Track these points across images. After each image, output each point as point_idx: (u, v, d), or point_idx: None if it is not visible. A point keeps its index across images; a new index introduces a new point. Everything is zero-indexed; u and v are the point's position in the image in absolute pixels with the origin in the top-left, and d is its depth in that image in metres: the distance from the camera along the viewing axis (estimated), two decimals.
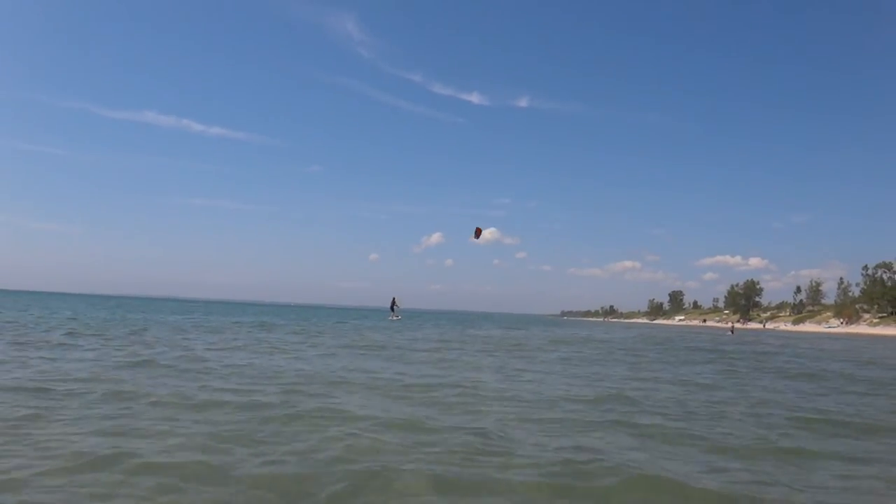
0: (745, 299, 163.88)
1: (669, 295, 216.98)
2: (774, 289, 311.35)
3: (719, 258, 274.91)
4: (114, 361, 12.87)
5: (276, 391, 9.58)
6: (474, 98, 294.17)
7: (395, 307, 58.89)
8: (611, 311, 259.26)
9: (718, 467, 5.98)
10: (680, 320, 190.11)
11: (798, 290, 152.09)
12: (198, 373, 11.70)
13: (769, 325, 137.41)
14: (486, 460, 5.88)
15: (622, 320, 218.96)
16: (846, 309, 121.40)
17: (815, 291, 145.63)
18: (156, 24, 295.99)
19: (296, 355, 16.55)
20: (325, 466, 5.50)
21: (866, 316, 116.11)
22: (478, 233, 34.68)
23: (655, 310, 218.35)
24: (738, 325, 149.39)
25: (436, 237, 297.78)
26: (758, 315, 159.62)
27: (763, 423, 8.44)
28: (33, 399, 8.12)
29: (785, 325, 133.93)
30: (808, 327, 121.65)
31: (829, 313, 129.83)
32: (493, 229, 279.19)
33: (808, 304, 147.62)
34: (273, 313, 74.72)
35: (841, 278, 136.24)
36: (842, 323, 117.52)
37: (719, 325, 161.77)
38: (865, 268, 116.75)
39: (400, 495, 4.87)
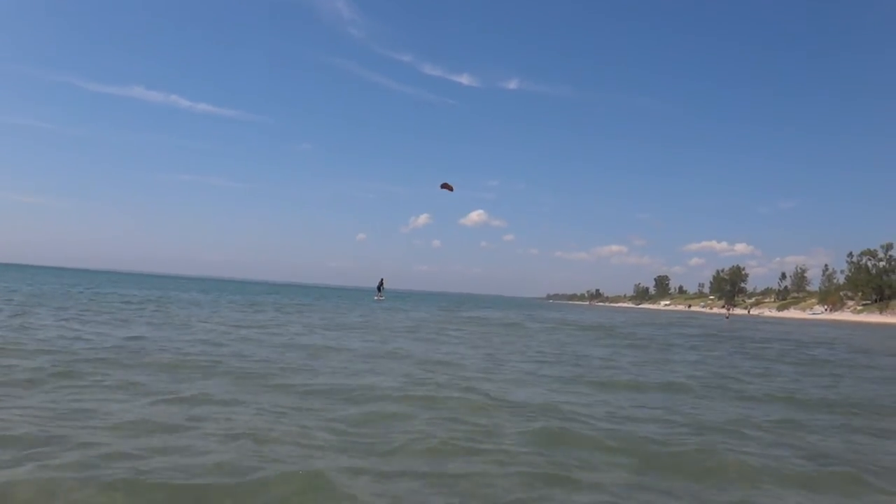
0: (730, 285, 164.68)
1: (655, 280, 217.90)
2: (759, 275, 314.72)
3: (705, 243, 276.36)
4: None
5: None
6: (464, 79, 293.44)
7: (381, 288, 59.06)
8: (596, 295, 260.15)
9: None
10: (665, 305, 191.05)
11: (783, 276, 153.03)
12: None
13: (754, 311, 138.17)
14: None
15: (607, 304, 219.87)
16: (830, 296, 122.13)
17: (800, 278, 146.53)
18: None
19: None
20: None
21: (850, 303, 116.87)
22: (447, 187, 34.83)
23: (641, 294, 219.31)
24: (722, 311, 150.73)
25: (423, 218, 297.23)
26: (742, 301, 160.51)
27: None
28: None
29: (769, 312, 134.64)
30: (792, 313, 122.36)
31: (813, 300, 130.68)
32: (481, 211, 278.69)
33: (792, 290, 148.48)
34: (242, 291, 73.88)
35: (826, 265, 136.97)
36: (826, 310, 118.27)
37: (704, 310, 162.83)
38: (850, 255, 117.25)
39: None
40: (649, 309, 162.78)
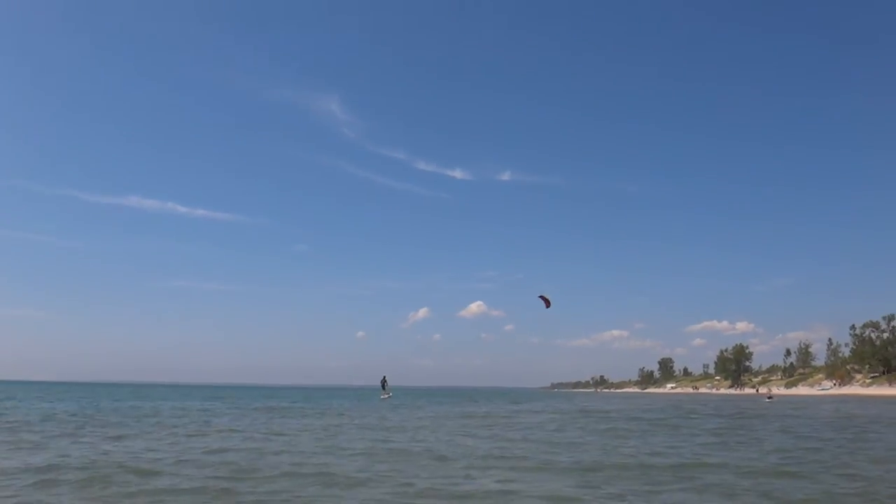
0: (735, 364, 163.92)
1: (659, 362, 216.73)
2: (762, 352, 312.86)
3: (707, 324, 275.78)
4: None
5: None
6: (457, 174, 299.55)
7: (385, 385, 59.09)
8: (601, 381, 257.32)
9: None
10: (671, 388, 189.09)
11: (788, 352, 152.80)
12: None
13: (762, 390, 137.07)
14: None
15: (613, 390, 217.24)
16: (838, 370, 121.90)
17: (805, 353, 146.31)
18: (140, 106, 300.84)
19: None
20: None
21: (858, 376, 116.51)
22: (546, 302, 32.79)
23: (646, 378, 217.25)
24: (729, 391, 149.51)
25: (422, 312, 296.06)
26: (749, 380, 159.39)
27: None
28: None
29: (777, 389, 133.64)
30: (801, 390, 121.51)
31: (820, 375, 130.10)
32: (480, 302, 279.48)
33: (798, 366, 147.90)
34: (252, 397, 72.84)
35: (830, 339, 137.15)
36: (834, 384, 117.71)
37: (711, 391, 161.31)
38: (853, 328, 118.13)
39: None
40: (656, 393, 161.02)
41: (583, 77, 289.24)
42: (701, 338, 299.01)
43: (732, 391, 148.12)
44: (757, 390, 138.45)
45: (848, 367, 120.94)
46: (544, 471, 11.06)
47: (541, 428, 22.00)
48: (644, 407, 45.67)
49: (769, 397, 72.02)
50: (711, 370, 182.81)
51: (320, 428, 21.02)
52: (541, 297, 31.36)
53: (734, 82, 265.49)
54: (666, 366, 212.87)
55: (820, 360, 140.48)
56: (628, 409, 41.86)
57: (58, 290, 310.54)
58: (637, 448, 14.95)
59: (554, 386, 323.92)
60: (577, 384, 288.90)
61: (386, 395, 58.02)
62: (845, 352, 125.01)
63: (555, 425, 23.38)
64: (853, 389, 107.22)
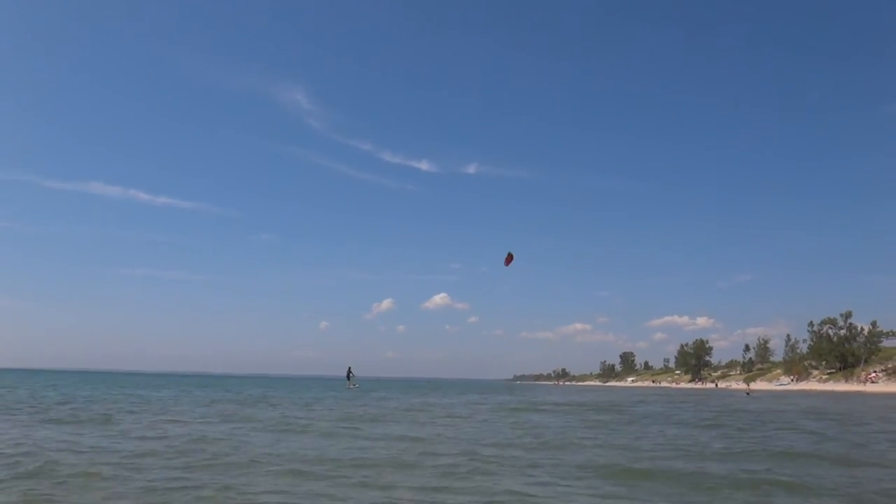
0: (695, 359, 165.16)
1: (621, 356, 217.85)
2: (721, 347, 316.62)
3: (668, 318, 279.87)
4: None
5: None
6: (423, 165, 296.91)
7: (350, 376, 59.78)
8: (563, 374, 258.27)
9: None
10: (632, 381, 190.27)
11: (747, 348, 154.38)
12: None
13: (721, 385, 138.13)
14: None
15: (575, 383, 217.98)
16: (795, 366, 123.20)
17: (764, 349, 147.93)
18: (103, 93, 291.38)
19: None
20: None
21: (815, 372, 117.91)
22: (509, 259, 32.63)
23: (608, 372, 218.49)
24: (689, 385, 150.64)
25: (386, 303, 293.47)
26: (709, 374, 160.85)
27: None
28: None
29: (737, 384, 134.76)
30: (759, 385, 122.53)
31: (778, 371, 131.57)
32: (444, 294, 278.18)
33: (757, 362, 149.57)
34: (213, 385, 70.81)
35: (788, 335, 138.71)
36: (792, 380, 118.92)
37: (671, 385, 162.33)
38: (811, 324, 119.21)
39: None
40: (617, 387, 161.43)
41: (550, 73, 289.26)
42: (662, 332, 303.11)
43: (692, 385, 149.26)
44: (716, 384, 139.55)
45: (805, 363, 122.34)
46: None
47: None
48: (628, 400, 44.08)
49: (748, 392, 71.63)
50: (672, 364, 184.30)
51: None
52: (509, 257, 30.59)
53: (699, 87, 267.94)
54: (627, 360, 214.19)
55: (778, 355, 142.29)
56: (613, 401, 40.28)
57: (17, 277, 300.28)
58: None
59: (516, 378, 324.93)
60: (539, 376, 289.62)
61: (352, 385, 58.46)
62: (803, 348, 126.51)
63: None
64: (810, 385, 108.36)
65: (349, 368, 59.84)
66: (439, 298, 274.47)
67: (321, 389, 55.75)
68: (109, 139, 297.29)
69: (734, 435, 16.65)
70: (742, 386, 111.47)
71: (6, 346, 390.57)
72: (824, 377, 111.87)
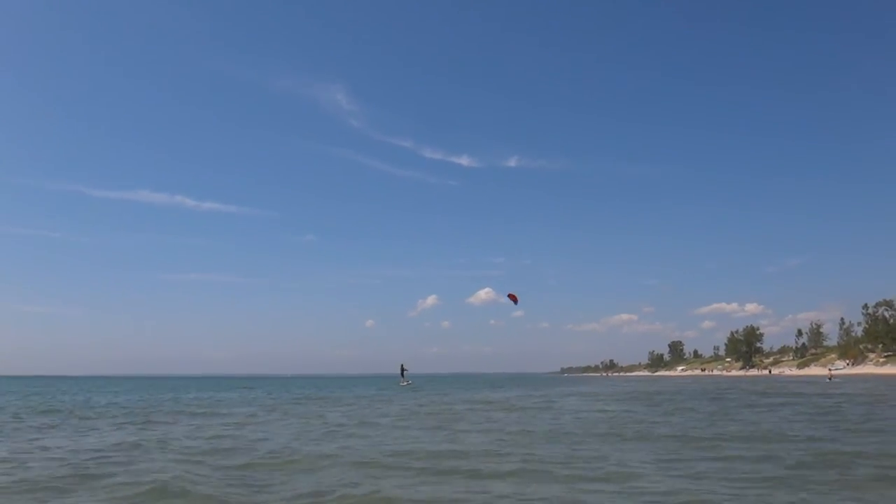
0: (746, 346, 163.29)
1: (669, 345, 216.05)
2: (773, 333, 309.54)
3: (715, 306, 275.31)
4: None
5: None
6: (464, 161, 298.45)
7: (404, 373, 60.55)
8: (611, 366, 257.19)
9: None
10: (682, 370, 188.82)
11: (799, 332, 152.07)
12: None
13: (775, 371, 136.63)
14: None
15: (623, 374, 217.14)
16: (850, 350, 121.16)
17: (816, 334, 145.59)
18: (147, 101, 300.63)
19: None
20: None
21: (871, 356, 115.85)
22: (513, 299, 36.34)
23: (656, 361, 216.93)
24: (740, 373, 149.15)
25: (431, 300, 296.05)
26: (760, 361, 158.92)
27: None
28: None
29: (790, 370, 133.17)
30: (814, 370, 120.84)
31: (833, 355, 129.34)
32: (488, 289, 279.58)
33: (810, 347, 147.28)
34: (268, 386, 72.71)
35: (842, 318, 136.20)
36: (847, 364, 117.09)
37: (722, 373, 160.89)
38: (865, 307, 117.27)
39: None
40: (667, 376, 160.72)
41: (585, 65, 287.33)
42: (710, 320, 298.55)
43: (743, 373, 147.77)
44: (770, 371, 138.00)
45: (861, 346, 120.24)
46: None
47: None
48: (710, 389, 44.13)
49: (830, 377, 70.72)
50: (722, 352, 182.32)
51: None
52: (510, 296, 34.77)
53: (743, 75, 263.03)
54: (676, 349, 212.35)
55: (831, 340, 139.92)
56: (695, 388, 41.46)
57: (68, 286, 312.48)
58: None
59: (563, 371, 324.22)
60: (587, 368, 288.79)
61: (405, 383, 58.82)
62: (858, 331, 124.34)
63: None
64: (867, 369, 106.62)
65: (402, 365, 60.51)
66: (484, 293, 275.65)
67: (376, 388, 55.94)
68: (154, 146, 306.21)
69: None
70: (787, 372, 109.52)
71: (59, 354, 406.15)
72: (881, 360, 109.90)
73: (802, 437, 13.05)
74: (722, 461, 10.00)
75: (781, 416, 18.93)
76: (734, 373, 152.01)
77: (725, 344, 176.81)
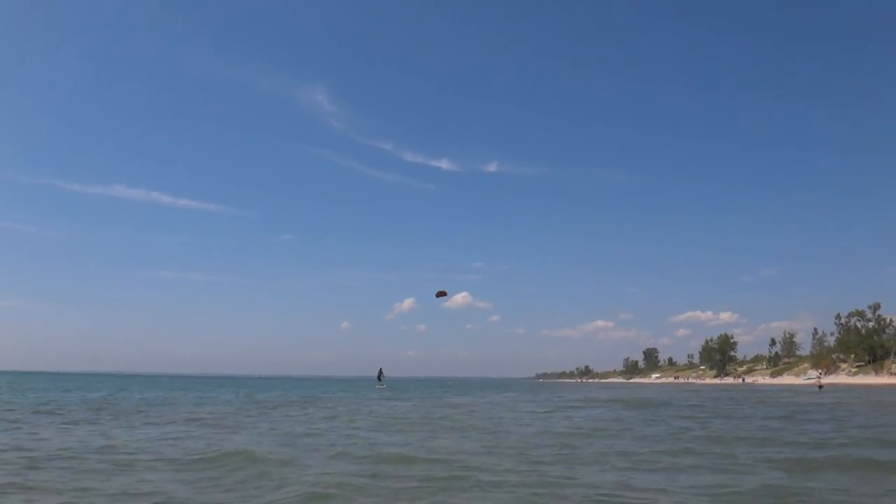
0: (720, 354, 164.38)
1: (644, 352, 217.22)
2: (746, 342, 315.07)
3: (690, 314, 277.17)
4: None
5: None
6: (444, 164, 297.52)
7: (381, 377, 62.65)
8: (586, 372, 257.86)
9: None
10: (656, 378, 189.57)
11: (773, 342, 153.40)
12: None
13: (748, 379, 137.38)
14: None
15: (598, 380, 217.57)
16: (823, 359, 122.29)
17: (790, 343, 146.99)
18: (125, 96, 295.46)
19: None
20: None
21: (843, 365, 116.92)
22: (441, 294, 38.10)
23: (631, 368, 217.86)
24: (714, 381, 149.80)
25: (408, 303, 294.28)
26: (734, 369, 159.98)
27: None
28: None
29: (763, 379, 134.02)
30: (786, 379, 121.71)
31: (805, 364, 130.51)
32: (465, 293, 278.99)
33: (783, 356, 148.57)
34: (242, 386, 71.45)
35: (815, 328, 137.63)
36: (820, 374, 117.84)
37: (696, 381, 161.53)
38: (838, 317, 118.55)
39: None
40: (641, 383, 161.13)
41: (568, 71, 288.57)
42: (685, 328, 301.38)
43: (717, 381, 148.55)
44: (743, 379, 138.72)
45: (833, 356, 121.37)
46: None
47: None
48: (679, 399, 43.25)
49: (820, 386, 69.28)
50: (696, 360, 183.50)
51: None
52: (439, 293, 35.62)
53: (721, 85, 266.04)
54: (651, 356, 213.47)
55: (804, 349, 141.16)
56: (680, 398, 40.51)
57: (40, 281, 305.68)
58: None
59: (539, 376, 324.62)
60: (563, 374, 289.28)
61: (381, 386, 60.08)
62: (830, 341, 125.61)
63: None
64: (839, 378, 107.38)
65: (380, 369, 62.91)
66: (460, 297, 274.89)
67: (355, 389, 56.07)
68: (131, 142, 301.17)
69: None
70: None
71: (28, 350, 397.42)
72: (853, 370, 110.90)
73: None
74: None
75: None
76: (708, 381, 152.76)
77: (700, 352, 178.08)
